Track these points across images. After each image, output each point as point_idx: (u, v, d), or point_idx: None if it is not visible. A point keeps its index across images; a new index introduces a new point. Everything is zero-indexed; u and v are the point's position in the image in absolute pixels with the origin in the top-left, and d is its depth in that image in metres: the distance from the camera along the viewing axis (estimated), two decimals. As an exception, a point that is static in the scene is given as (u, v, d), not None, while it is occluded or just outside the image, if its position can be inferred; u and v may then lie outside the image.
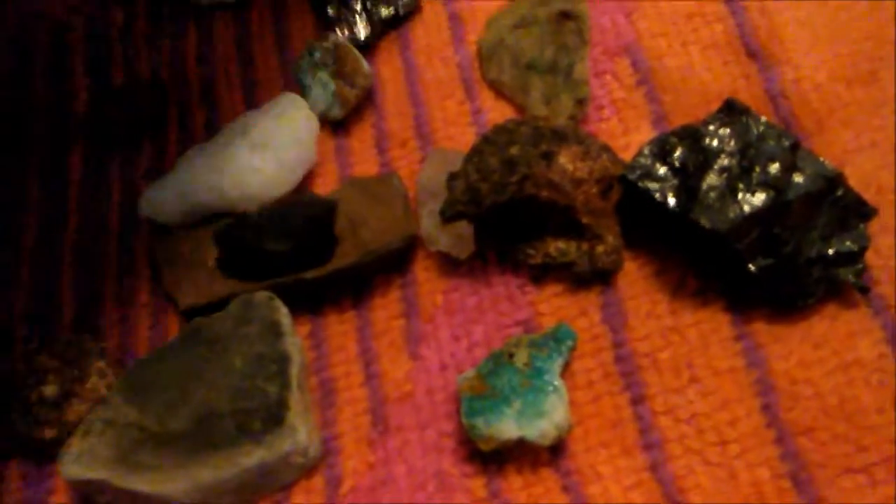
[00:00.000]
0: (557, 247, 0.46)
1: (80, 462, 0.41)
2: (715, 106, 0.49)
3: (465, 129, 0.52)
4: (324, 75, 0.53)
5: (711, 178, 0.43)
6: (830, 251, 0.44)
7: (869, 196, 0.46)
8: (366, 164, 0.52)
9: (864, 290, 0.43)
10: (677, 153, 0.44)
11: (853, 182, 0.46)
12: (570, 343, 0.43)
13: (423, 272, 0.48)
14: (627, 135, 0.50)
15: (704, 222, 0.42)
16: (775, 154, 0.43)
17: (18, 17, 0.62)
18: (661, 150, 0.45)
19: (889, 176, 0.47)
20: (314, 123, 0.51)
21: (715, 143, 0.44)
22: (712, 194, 0.43)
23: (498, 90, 0.53)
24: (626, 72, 0.52)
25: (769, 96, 0.51)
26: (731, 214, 0.42)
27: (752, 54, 0.52)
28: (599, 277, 0.46)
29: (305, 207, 0.46)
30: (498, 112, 0.52)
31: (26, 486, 0.44)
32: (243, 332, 0.44)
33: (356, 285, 0.48)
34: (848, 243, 0.44)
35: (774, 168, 0.43)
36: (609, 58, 0.53)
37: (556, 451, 0.42)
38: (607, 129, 0.51)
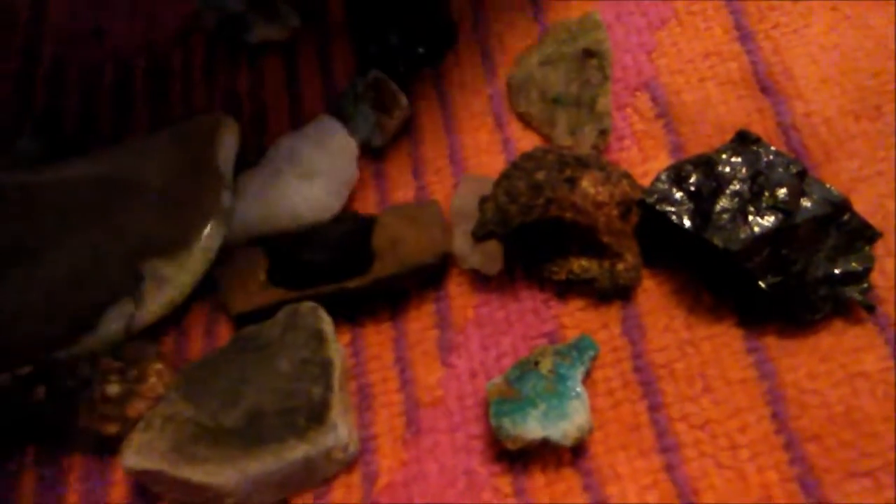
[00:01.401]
0: (580, 264, 0.49)
1: (139, 454, 0.45)
2: (730, 137, 0.53)
3: (495, 157, 0.56)
4: (365, 107, 0.57)
5: (724, 202, 0.46)
6: (837, 271, 0.47)
7: (874, 221, 0.49)
8: (403, 189, 0.56)
9: (870, 308, 0.46)
10: (692, 179, 0.48)
11: (860, 209, 0.49)
12: (591, 353, 0.47)
13: (455, 287, 0.51)
14: (646, 163, 0.54)
15: (717, 242, 0.45)
16: (784, 180, 0.47)
17: (87, 60, 0.68)
18: (677, 177, 0.48)
19: (893, 202, 0.50)
20: (353, 145, 0.56)
21: (727, 169, 0.47)
22: (725, 216, 0.46)
23: (526, 122, 0.57)
24: (646, 105, 0.56)
25: (781, 129, 0.54)
26: (742, 235, 0.45)
27: (765, 90, 0.56)
28: (620, 293, 0.49)
29: (343, 222, 0.50)
30: (526, 142, 0.56)
31: (89, 478, 0.48)
32: (290, 339, 0.48)
33: (393, 299, 0.52)
34: (854, 264, 0.47)
35: (783, 193, 0.46)
36: (630, 92, 0.57)
37: (577, 453, 0.45)
38: (628, 158, 0.54)
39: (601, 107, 0.55)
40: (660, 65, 0.58)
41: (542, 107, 0.57)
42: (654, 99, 0.57)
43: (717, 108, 0.55)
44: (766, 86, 0.56)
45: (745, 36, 0.58)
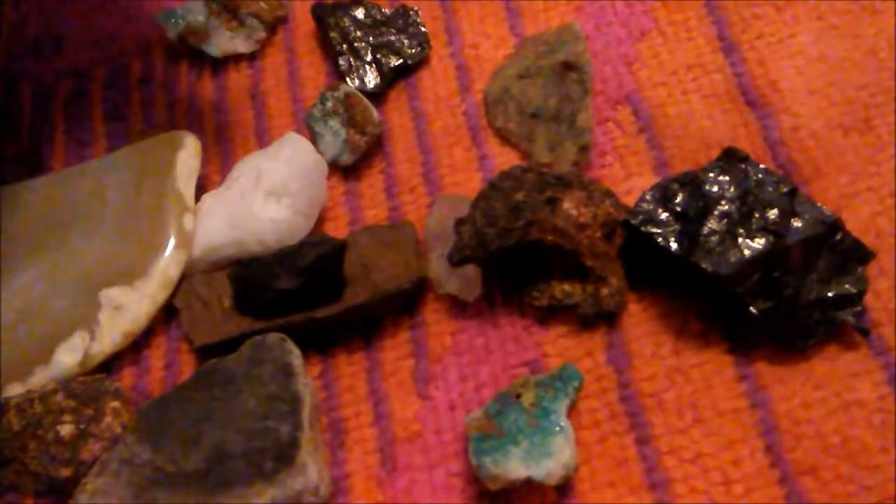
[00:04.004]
0: (563, 289, 0.47)
1: (94, 501, 0.42)
2: (715, 152, 0.51)
3: (471, 175, 0.54)
4: (335, 123, 0.55)
5: (712, 224, 0.44)
6: (830, 294, 0.45)
7: (867, 240, 0.47)
8: (375, 209, 0.54)
9: (864, 332, 0.44)
10: (678, 199, 0.46)
11: (851, 227, 0.47)
12: (575, 384, 0.44)
13: (431, 314, 0.49)
14: (630, 180, 0.52)
15: (706, 266, 0.43)
16: (774, 200, 0.45)
17: (42, 72, 0.64)
18: (663, 196, 0.46)
19: (886, 220, 0.48)
20: (322, 164, 0.53)
21: (715, 189, 0.45)
22: (713, 239, 0.44)
23: (504, 138, 0.55)
24: (628, 119, 0.54)
25: (768, 143, 0.52)
26: (732, 259, 0.43)
27: (750, 103, 0.54)
28: (604, 319, 0.47)
29: (314, 247, 0.48)
30: (504, 159, 0.54)
31: (40, 526, 0.45)
32: (256, 374, 0.45)
33: (366, 327, 0.49)
34: (847, 286, 0.45)
35: (773, 214, 0.44)
36: (611, 106, 0.55)
37: (562, 491, 0.42)
38: (610, 175, 0.52)
39: (582, 122, 0.52)
40: (641, 77, 0.56)
41: (521, 122, 0.54)
42: (636, 112, 0.54)
43: (701, 122, 0.53)
44: (751, 98, 0.54)
45: (728, 46, 0.56)
